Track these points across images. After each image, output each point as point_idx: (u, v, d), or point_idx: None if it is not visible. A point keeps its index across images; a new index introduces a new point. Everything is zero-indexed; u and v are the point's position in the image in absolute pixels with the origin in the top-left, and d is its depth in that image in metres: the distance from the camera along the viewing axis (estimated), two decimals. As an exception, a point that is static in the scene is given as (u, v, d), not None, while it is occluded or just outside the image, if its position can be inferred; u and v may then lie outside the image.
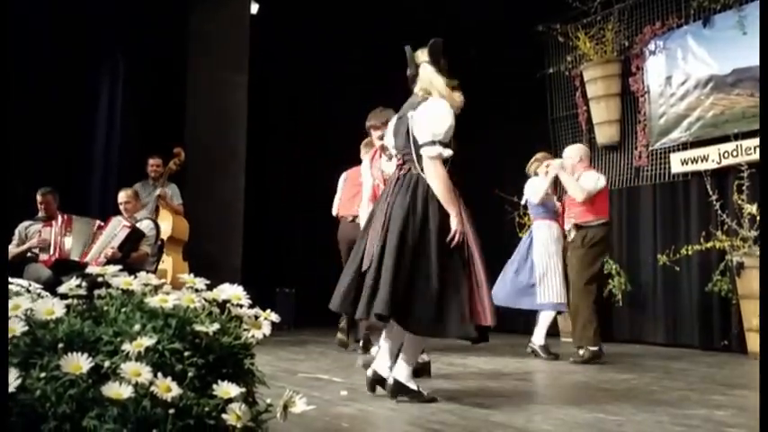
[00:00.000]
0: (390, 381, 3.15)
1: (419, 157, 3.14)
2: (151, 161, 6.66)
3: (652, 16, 6.93)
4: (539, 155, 5.82)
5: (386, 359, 3.28)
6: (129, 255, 5.37)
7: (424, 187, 3.13)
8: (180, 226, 6.43)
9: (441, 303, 2.99)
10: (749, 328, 5.68)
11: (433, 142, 3.09)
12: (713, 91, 6.41)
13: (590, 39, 7.25)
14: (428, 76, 3.23)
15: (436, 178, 3.08)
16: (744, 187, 5.88)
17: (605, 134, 7.27)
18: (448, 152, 3.12)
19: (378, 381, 3.25)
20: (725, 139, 6.24)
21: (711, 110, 6.42)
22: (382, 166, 4.28)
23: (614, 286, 6.90)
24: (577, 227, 5.24)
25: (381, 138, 4.10)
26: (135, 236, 5.46)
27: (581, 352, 5.02)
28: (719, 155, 6.24)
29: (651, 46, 6.95)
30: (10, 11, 6.00)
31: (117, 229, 5.43)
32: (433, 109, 3.15)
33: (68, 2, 6.76)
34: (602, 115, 7.27)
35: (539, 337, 5.43)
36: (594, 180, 5.24)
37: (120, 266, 1.69)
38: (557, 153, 7.97)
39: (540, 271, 5.45)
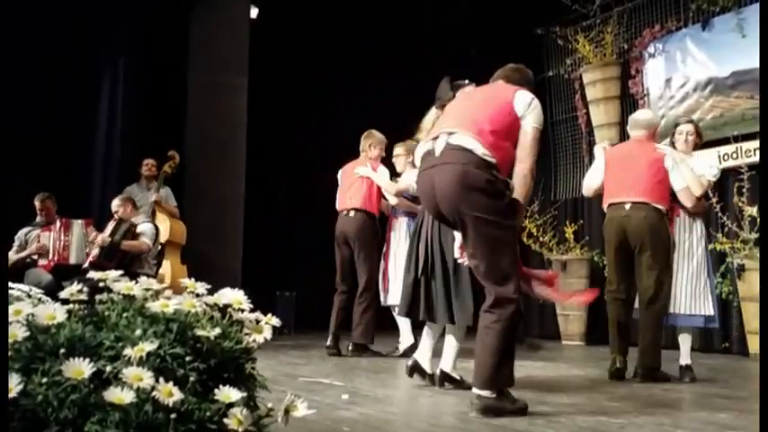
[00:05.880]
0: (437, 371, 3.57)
1: None
2: (146, 161, 6.62)
3: (651, 19, 6.94)
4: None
5: (428, 352, 3.68)
6: (121, 243, 5.35)
7: None
8: (177, 229, 6.38)
9: None
10: (750, 331, 5.68)
11: None
12: (712, 93, 6.42)
13: (589, 42, 7.26)
14: None
15: None
16: (744, 189, 5.88)
17: (605, 137, 7.25)
18: None
19: (417, 369, 3.66)
20: (724, 141, 6.24)
21: (711, 112, 6.43)
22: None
23: (614, 289, 6.88)
24: None
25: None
26: (123, 225, 5.45)
27: None
28: (719, 157, 6.24)
29: (650, 49, 6.96)
30: (11, 15, 6.03)
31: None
32: None
33: (67, 5, 6.77)
34: (602, 118, 7.27)
35: (686, 357, 4.44)
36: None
37: (121, 272, 1.68)
38: (557, 154, 8.01)
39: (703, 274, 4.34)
